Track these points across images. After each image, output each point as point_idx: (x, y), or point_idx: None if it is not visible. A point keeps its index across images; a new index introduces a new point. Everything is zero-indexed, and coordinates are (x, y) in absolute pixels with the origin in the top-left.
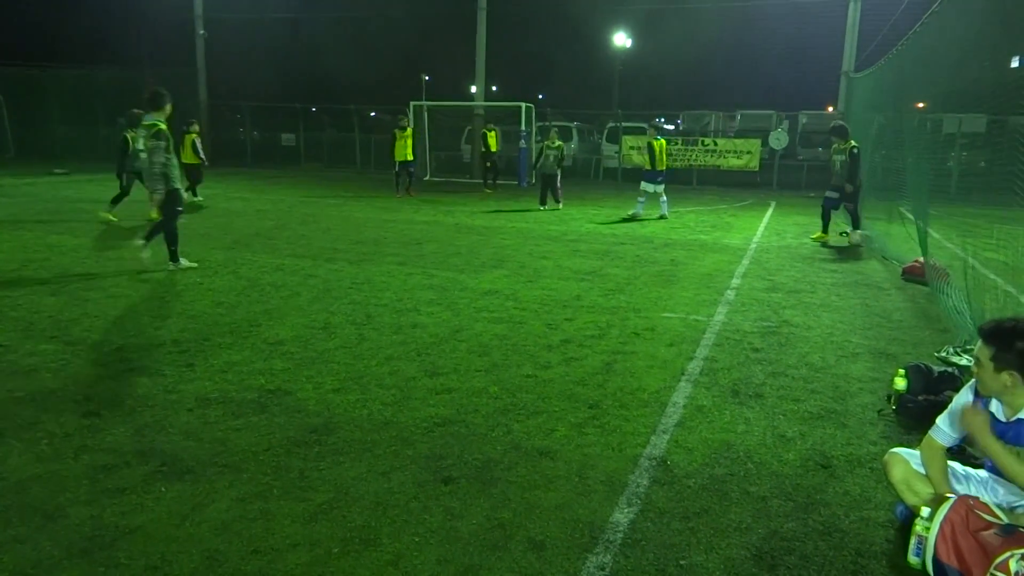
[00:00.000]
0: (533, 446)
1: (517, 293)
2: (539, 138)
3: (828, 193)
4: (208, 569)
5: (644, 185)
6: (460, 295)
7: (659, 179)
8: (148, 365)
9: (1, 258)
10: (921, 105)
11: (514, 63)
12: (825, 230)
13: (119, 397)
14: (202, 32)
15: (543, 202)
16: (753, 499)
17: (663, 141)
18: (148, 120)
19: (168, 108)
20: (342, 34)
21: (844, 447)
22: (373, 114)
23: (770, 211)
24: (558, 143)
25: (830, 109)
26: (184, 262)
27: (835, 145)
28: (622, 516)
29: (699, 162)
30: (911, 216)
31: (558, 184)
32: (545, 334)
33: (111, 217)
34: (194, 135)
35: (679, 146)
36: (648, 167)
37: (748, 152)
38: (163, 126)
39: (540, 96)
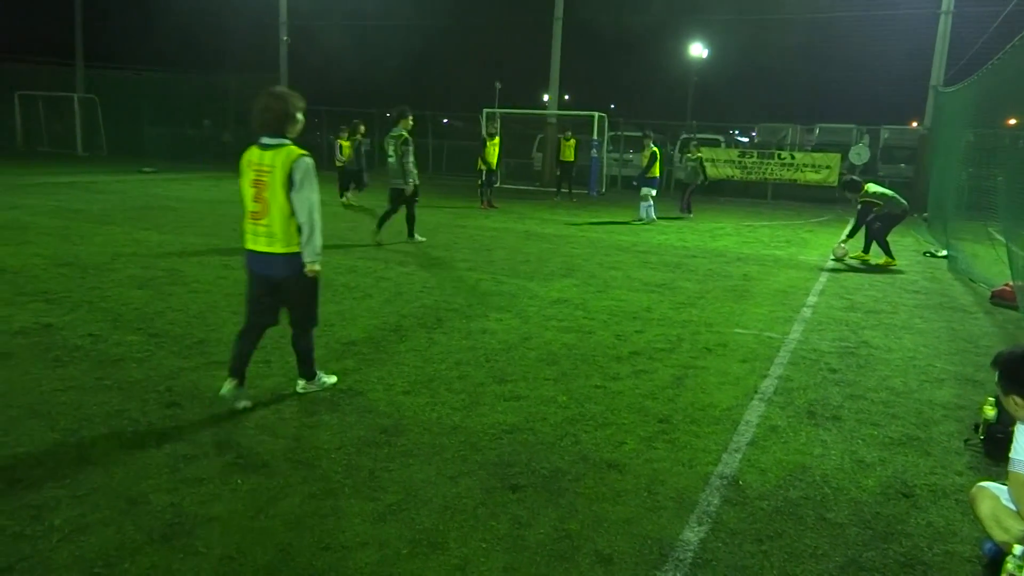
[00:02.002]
0: (602, 458)
1: (586, 303)
2: (611, 148)
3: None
4: (281, 562)
5: (647, 191)
6: (529, 303)
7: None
8: (227, 359)
9: (93, 252)
10: (1013, 122)
11: (587, 72)
12: (889, 255)
13: (199, 389)
14: (285, 38)
15: (687, 209)
16: (830, 525)
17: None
18: (395, 132)
19: (409, 121)
20: (417, 41)
21: (927, 476)
22: (445, 121)
23: (849, 228)
24: (698, 155)
25: (914, 124)
26: (418, 237)
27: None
28: (692, 535)
29: (775, 176)
30: (1001, 238)
31: (687, 194)
32: (614, 345)
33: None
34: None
35: (754, 159)
36: (655, 174)
37: (827, 167)
38: (407, 135)
39: (612, 106)
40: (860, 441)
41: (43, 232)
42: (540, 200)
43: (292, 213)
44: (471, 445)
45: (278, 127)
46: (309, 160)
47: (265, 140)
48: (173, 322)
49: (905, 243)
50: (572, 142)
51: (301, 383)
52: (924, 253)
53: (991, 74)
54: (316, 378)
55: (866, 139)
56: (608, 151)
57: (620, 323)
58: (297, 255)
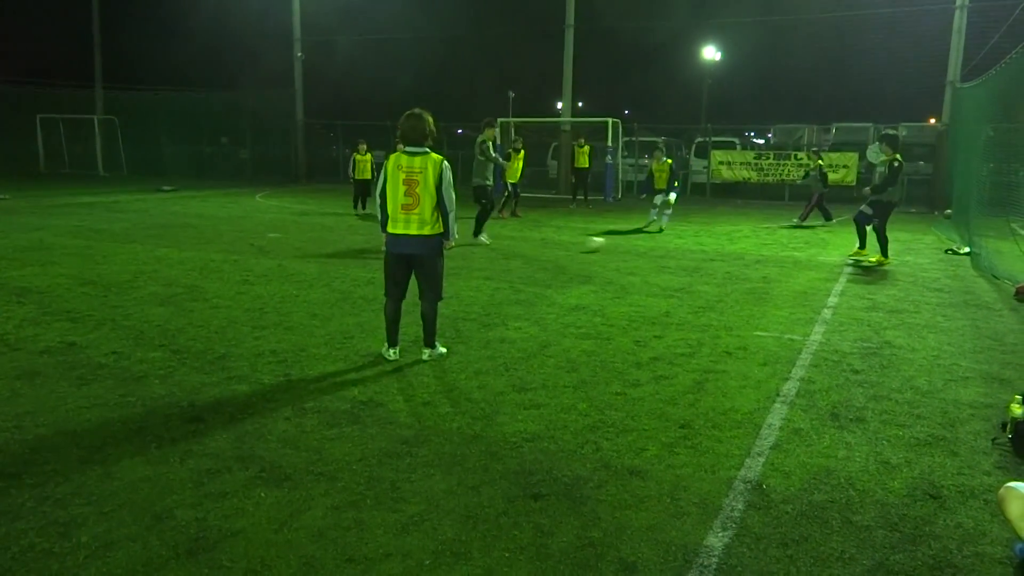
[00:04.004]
0: (623, 465)
1: (604, 309)
2: (625, 153)
3: (863, 208)
4: (305, 575)
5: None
6: (547, 310)
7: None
8: (248, 374)
9: (115, 270)
10: None
11: (600, 79)
12: (885, 254)
13: (221, 404)
14: (300, 55)
15: (805, 218)
16: (856, 528)
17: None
18: (479, 138)
19: (492, 131)
20: (430, 53)
21: (955, 476)
22: (460, 131)
23: (869, 227)
24: (819, 163)
25: (932, 121)
26: (484, 238)
27: (883, 157)
28: (716, 540)
29: (792, 177)
30: None
31: (813, 202)
32: (634, 351)
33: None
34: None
35: (771, 160)
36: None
37: (844, 166)
38: (490, 142)
39: (626, 112)
40: (885, 442)
41: (67, 252)
42: (556, 207)
43: (437, 204)
44: (492, 454)
45: (420, 139)
46: (448, 163)
47: (410, 149)
48: (194, 338)
49: (927, 241)
50: (586, 149)
51: (426, 352)
52: (946, 251)
53: (1010, 68)
54: (435, 348)
55: None
56: (623, 157)
57: (639, 329)
58: (436, 236)
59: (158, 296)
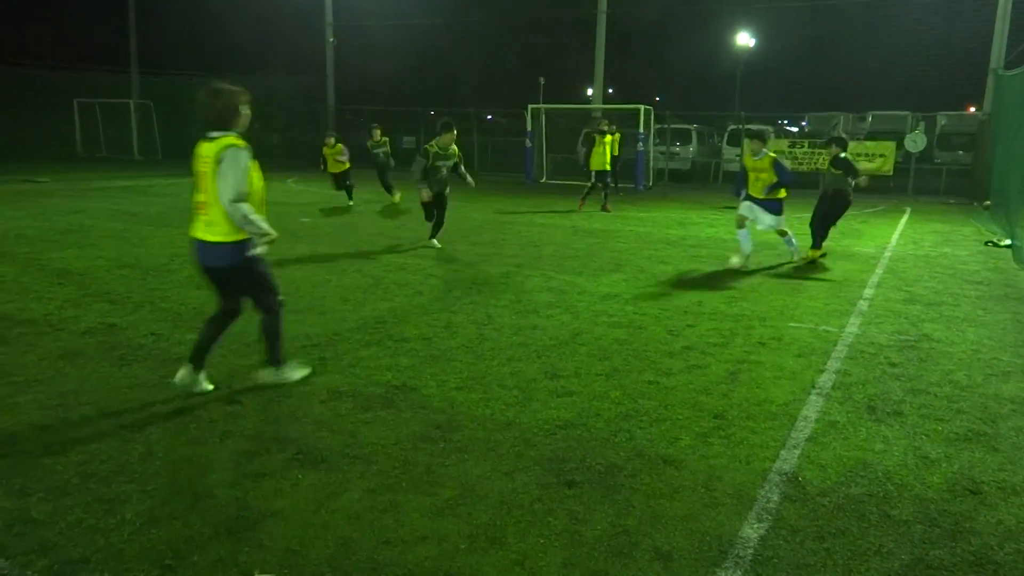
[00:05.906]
0: (657, 454)
1: (636, 298)
2: (657, 141)
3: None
4: (343, 556)
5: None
6: (579, 298)
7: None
8: (283, 357)
9: (152, 253)
10: None
11: (631, 65)
12: (819, 245)
13: (258, 386)
14: (332, 40)
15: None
16: (894, 522)
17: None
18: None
19: (450, 135)
20: (459, 38)
21: (996, 472)
22: (490, 117)
23: (905, 218)
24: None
25: (971, 109)
26: (434, 243)
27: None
28: (752, 531)
29: (826, 166)
30: None
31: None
32: (666, 340)
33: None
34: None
35: (805, 149)
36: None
37: (881, 155)
38: (431, 147)
39: (657, 98)
40: (924, 437)
41: (104, 235)
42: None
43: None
44: (525, 441)
45: (218, 122)
46: (238, 149)
47: (211, 134)
48: None
49: (965, 232)
50: (618, 136)
51: (261, 372)
52: (986, 243)
53: None
54: (279, 368)
55: (922, 126)
56: (654, 144)
57: (671, 318)
58: (230, 243)
59: (194, 279)
